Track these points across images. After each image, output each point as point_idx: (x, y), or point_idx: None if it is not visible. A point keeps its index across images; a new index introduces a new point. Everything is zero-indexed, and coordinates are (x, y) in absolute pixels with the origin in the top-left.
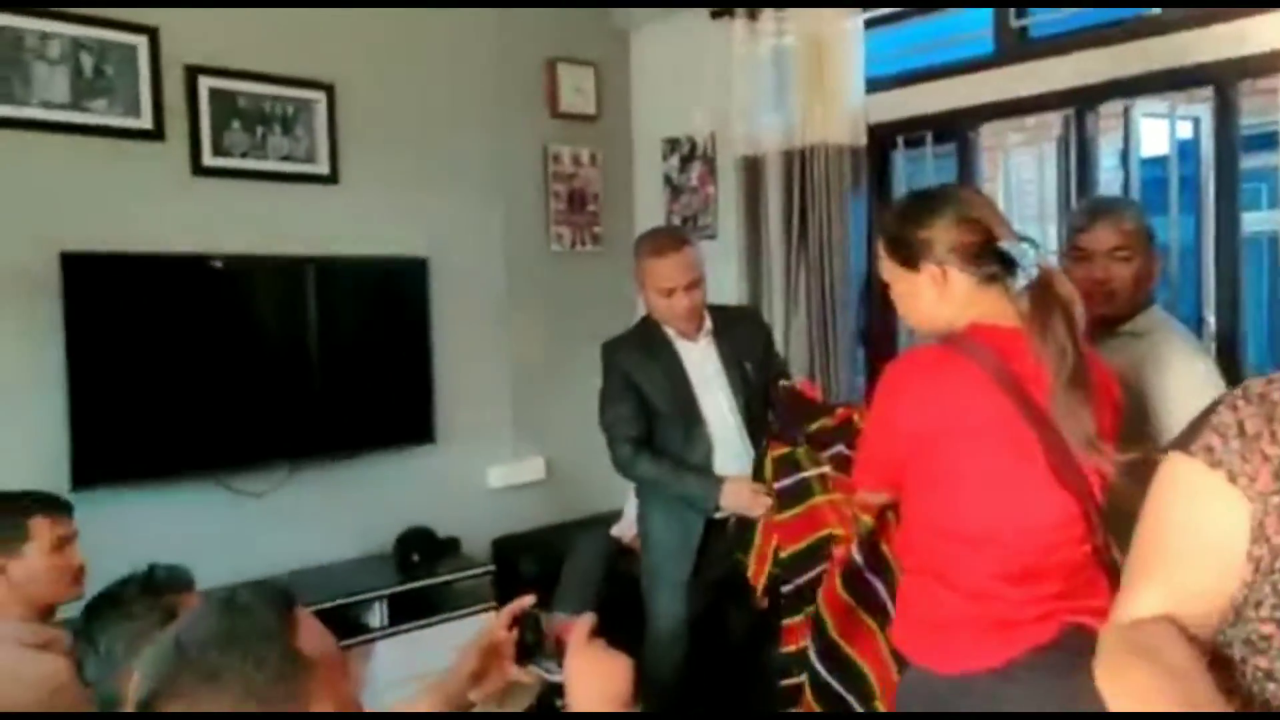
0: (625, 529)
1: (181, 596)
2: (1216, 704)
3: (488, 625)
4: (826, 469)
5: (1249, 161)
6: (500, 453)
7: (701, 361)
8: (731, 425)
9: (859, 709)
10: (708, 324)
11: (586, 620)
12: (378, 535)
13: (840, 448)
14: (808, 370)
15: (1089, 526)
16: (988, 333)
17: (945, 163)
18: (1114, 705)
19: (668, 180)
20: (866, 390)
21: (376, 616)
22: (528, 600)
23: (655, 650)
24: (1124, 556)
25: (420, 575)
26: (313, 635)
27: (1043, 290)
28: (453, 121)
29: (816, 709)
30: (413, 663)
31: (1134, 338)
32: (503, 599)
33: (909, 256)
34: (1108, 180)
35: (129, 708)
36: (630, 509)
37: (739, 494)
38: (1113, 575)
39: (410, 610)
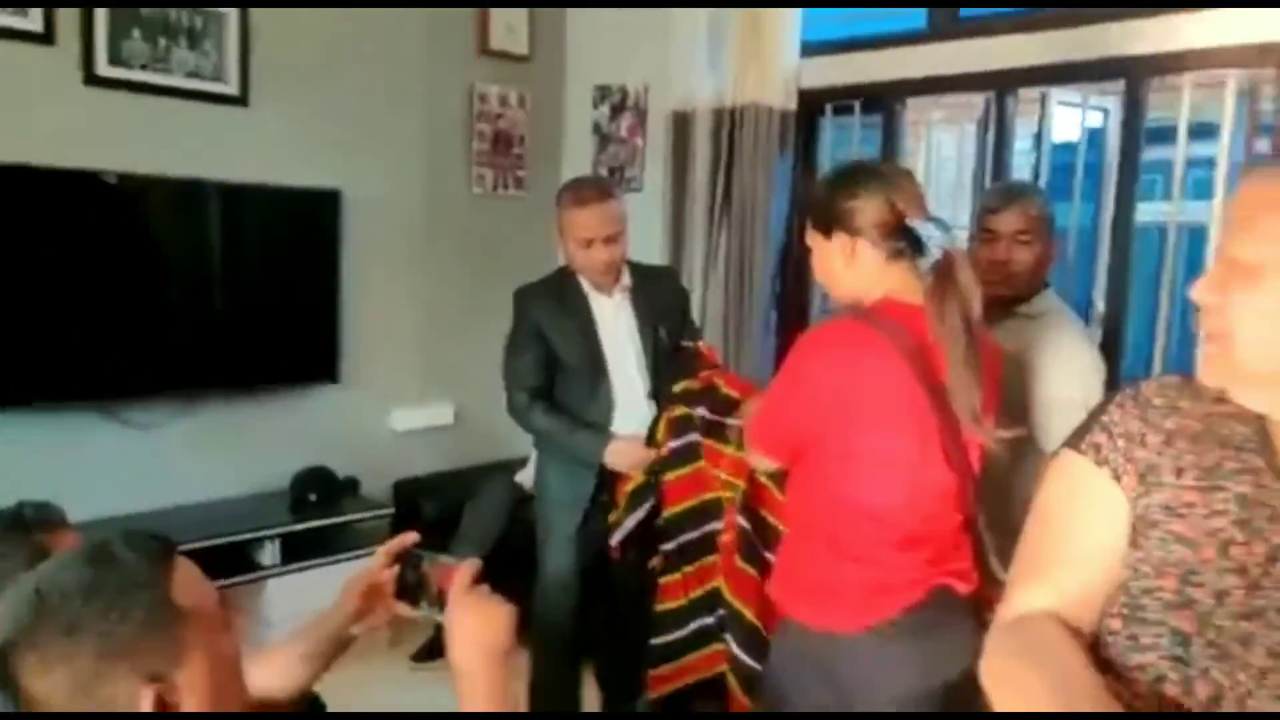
0: (530, 477)
1: (54, 535)
2: (1099, 703)
3: (368, 565)
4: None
5: (1150, 154)
6: (407, 395)
7: (614, 317)
8: (637, 384)
9: None
10: (626, 280)
11: (469, 567)
12: (274, 474)
13: (703, 410)
14: (721, 330)
15: (963, 499)
16: (898, 308)
17: (870, 133)
18: (999, 708)
19: (597, 128)
20: (777, 353)
21: (269, 555)
22: (410, 538)
23: (545, 599)
24: (988, 525)
25: (316, 515)
26: (190, 585)
27: (944, 274)
28: (375, 51)
29: (747, 703)
30: (307, 602)
31: (1027, 319)
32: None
33: (827, 223)
34: (1021, 162)
35: None
36: (535, 458)
37: (626, 453)
38: (977, 540)
39: (305, 550)
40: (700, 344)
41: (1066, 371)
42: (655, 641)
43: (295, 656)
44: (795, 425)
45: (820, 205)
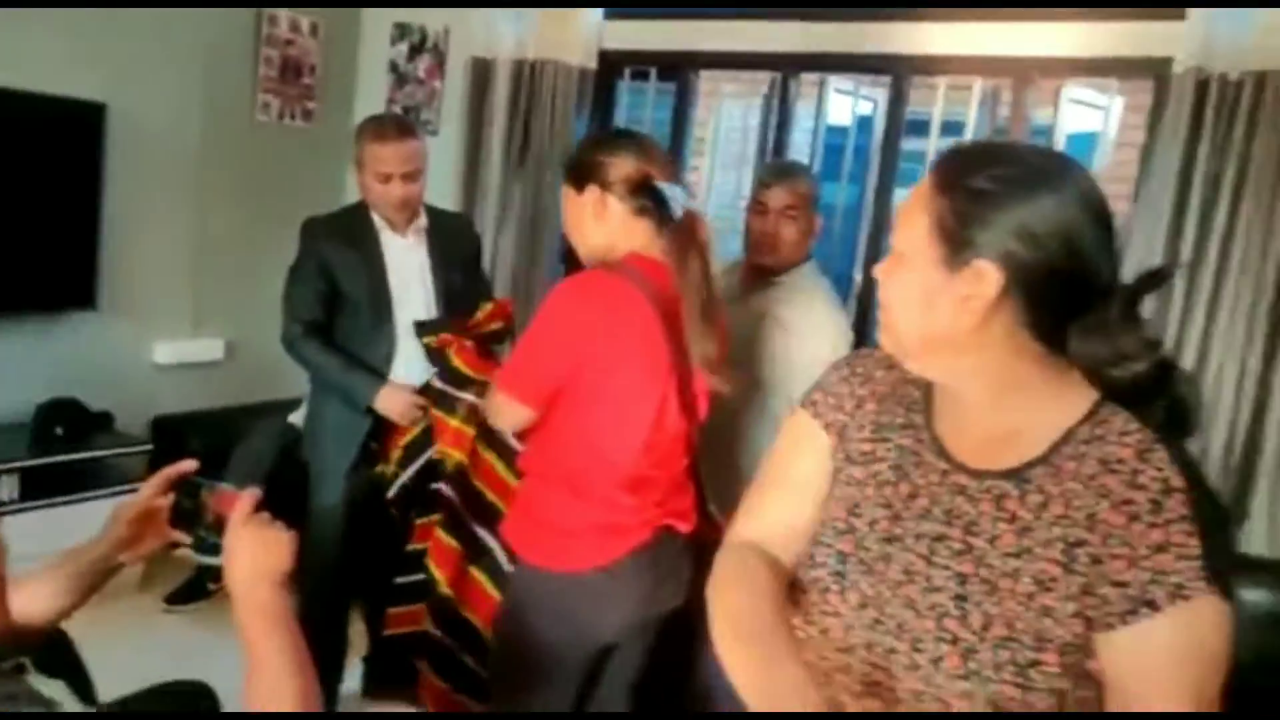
0: (303, 417)
1: None
2: (780, 624)
3: (141, 491)
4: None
5: (909, 144)
6: (174, 328)
7: (405, 256)
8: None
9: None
10: (422, 221)
11: (250, 495)
12: (18, 404)
13: (434, 376)
14: (510, 281)
15: (689, 444)
16: (643, 262)
17: (665, 100)
18: (713, 620)
19: (393, 67)
20: None
21: (5, 490)
22: (188, 465)
23: (314, 536)
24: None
25: (62, 450)
26: None
27: (685, 232)
28: None
29: (439, 683)
30: (52, 539)
31: (786, 287)
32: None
33: (581, 177)
34: (800, 140)
35: None
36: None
37: (394, 400)
38: (698, 484)
39: (49, 485)
40: (501, 299)
41: (816, 335)
42: (399, 580)
43: (58, 582)
44: (549, 369)
45: (577, 161)
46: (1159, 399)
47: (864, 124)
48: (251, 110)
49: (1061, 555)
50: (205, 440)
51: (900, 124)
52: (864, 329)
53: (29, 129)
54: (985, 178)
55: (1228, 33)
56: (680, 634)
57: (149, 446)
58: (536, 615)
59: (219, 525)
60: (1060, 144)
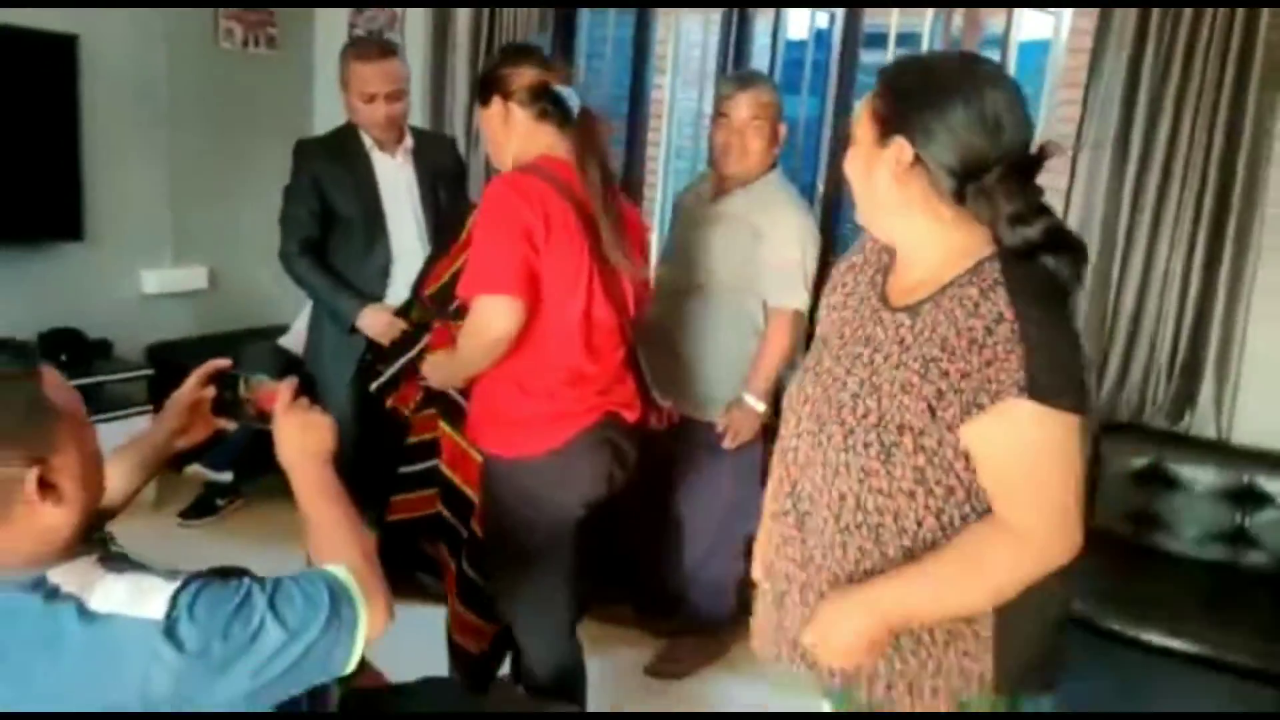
0: (295, 341)
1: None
2: None
3: (185, 384)
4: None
5: (868, 57)
6: (159, 257)
7: (395, 175)
8: (415, 242)
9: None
10: (409, 141)
11: (290, 383)
12: (19, 333)
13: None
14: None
15: (622, 336)
16: (554, 163)
17: (625, 19)
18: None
19: None
20: None
21: None
22: (223, 362)
23: None
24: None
25: (69, 375)
26: (59, 388)
27: (584, 132)
28: None
29: (452, 562)
30: None
31: (755, 194)
32: (159, 404)
33: (487, 91)
34: (759, 54)
35: None
36: (301, 321)
37: (375, 319)
38: (638, 373)
39: None
40: None
41: (786, 238)
42: (403, 470)
43: (126, 464)
44: (512, 255)
45: (482, 78)
46: (1051, 255)
47: (822, 38)
48: (215, 37)
49: (920, 368)
50: (199, 364)
51: (857, 38)
52: (830, 233)
53: (4, 64)
54: (907, 79)
55: None
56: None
57: (149, 372)
58: (506, 499)
59: (258, 414)
60: (1012, 51)
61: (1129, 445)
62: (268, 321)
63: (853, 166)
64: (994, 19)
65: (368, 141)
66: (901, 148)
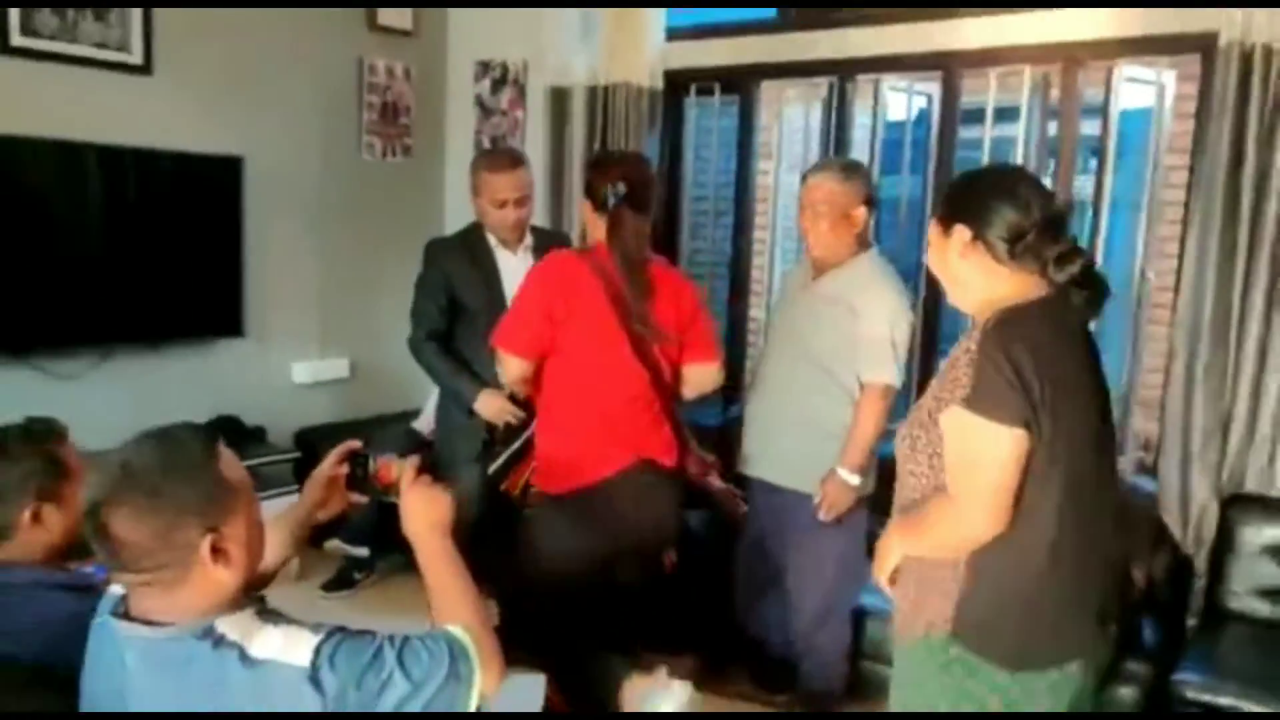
0: (425, 424)
1: (60, 445)
2: None
3: (323, 462)
4: None
5: (966, 133)
6: (306, 350)
7: (518, 272)
8: None
9: None
10: (529, 240)
11: (413, 460)
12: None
13: None
14: None
15: (657, 390)
16: (599, 247)
17: (729, 109)
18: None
19: (479, 101)
20: None
21: None
22: (356, 443)
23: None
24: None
25: None
26: (232, 466)
27: (614, 224)
28: (272, 25)
29: None
30: None
31: (846, 275)
32: (304, 483)
33: (585, 190)
34: (861, 137)
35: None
36: (430, 406)
37: (489, 403)
38: (675, 425)
39: None
40: None
41: (876, 315)
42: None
43: (277, 538)
44: (527, 322)
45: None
46: (1081, 290)
47: (921, 117)
48: (358, 150)
49: (942, 376)
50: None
51: (954, 116)
52: (934, 305)
53: (182, 184)
54: (956, 189)
55: (1267, 6)
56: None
57: (296, 455)
58: (542, 532)
59: (386, 489)
60: (1114, 121)
61: (1258, 517)
62: (401, 407)
63: (933, 262)
64: (1092, 89)
65: (493, 240)
66: (961, 230)
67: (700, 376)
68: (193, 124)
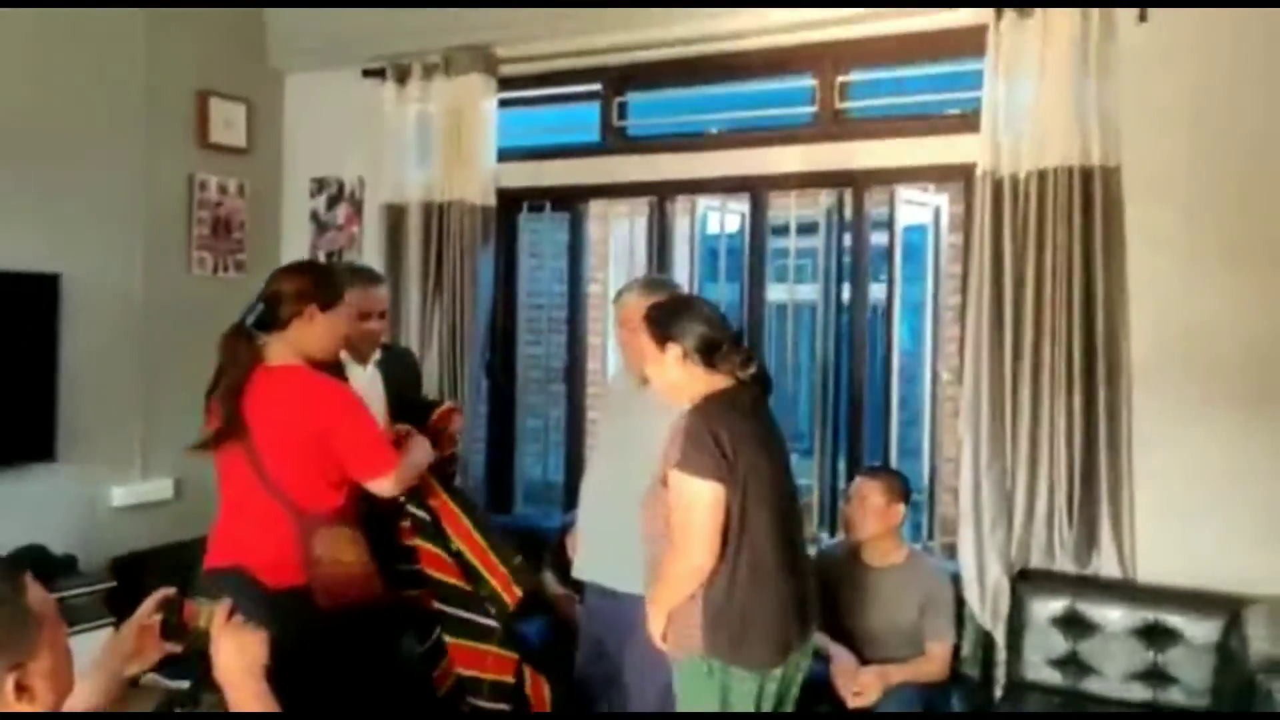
0: None
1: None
2: None
3: (137, 612)
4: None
5: (776, 243)
6: (127, 472)
7: (370, 386)
8: None
9: None
10: (376, 354)
11: (224, 605)
12: None
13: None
14: (437, 397)
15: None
16: None
17: (562, 224)
18: None
19: (314, 217)
20: (489, 415)
21: None
22: (170, 590)
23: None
24: None
25: None
26: (38, 596)
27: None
28: (95, 139)
29: None
30: None
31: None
32: (123, 615)
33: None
34: (682, 250)
35: None
36: None
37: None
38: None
39: None
40: (449, 404)
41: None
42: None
43: (88, 691)
44: None
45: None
46: (759, 382)
47: (735, 231)
48: (188, 266)
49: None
50: (162, 574)
51: (763, 230)
52: None
53: None
54: (662, 313)
55: (1009, 142)
56: None
57: (111, 584)
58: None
59: (196, 634)
60: (899, 235)
61: (1044, 591)
62: None
63: (652, 371)
64: (879, 207)
65: (343, 355)
66: (675, 349)
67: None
68: (4, 241)
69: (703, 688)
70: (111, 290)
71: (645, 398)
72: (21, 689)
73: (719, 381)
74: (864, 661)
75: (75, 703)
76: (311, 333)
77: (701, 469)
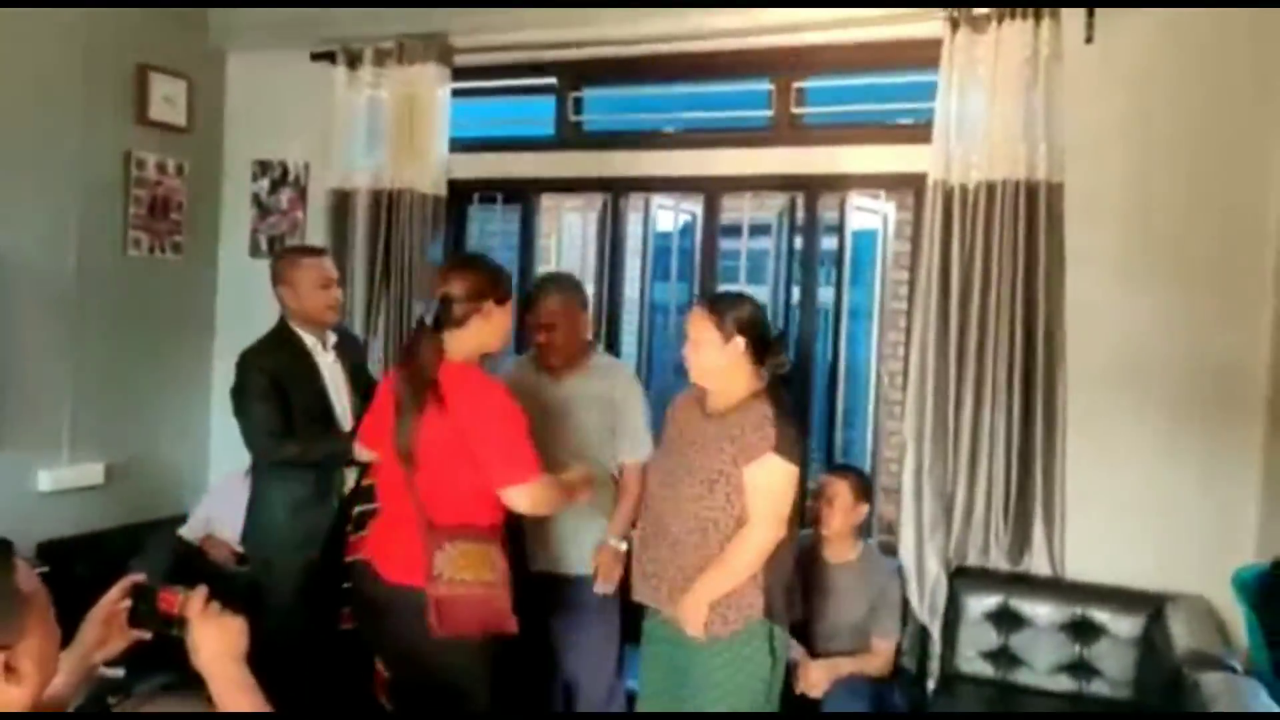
0: (195, 530)
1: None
2: None
3: (103, 599)
4: None
5: (727, 244)
6: (54, 455)
7: (333, 366)
8: (352, 422)
9: None
10: (333, 337)
11: (201, 591)
12: None
13: None
14: None
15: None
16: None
17: (512, 217)
18: None
19: (256, 200)
20: None
21: None
22: (139, 577)
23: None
24: None
25: None
26: (27, 576)
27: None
28: (29, 111)
29: None
30: None
31: (591, 372)
32: (55, 602)
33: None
34: (633, 247)
35: None
36: (200, 510)
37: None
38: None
39: None
40: None
41: (634, 404)
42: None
43: (58, 680)
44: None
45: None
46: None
47: (686, 230)
48: (124, 247)
49: (724, 442)
50: (91, 561)
51: (715, 231)
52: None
53: None
54: (738, 311)
55: (960, 153)
56: None
57: (41, 569)
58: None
59: (168, 620)
60: (848, 240)
61: (979, 587)
62: (163, 514)
63: (707, 357)
64: (830, 212)
65: (308, 340)
66: (740, 342)
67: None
68: None
69: (762, 648)
70: (44, 268)
71: (569, 389)
72: (10, 670)
73: (757, 377)
74: (814, 654)
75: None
76: (489, 328)
77: (793, 454)
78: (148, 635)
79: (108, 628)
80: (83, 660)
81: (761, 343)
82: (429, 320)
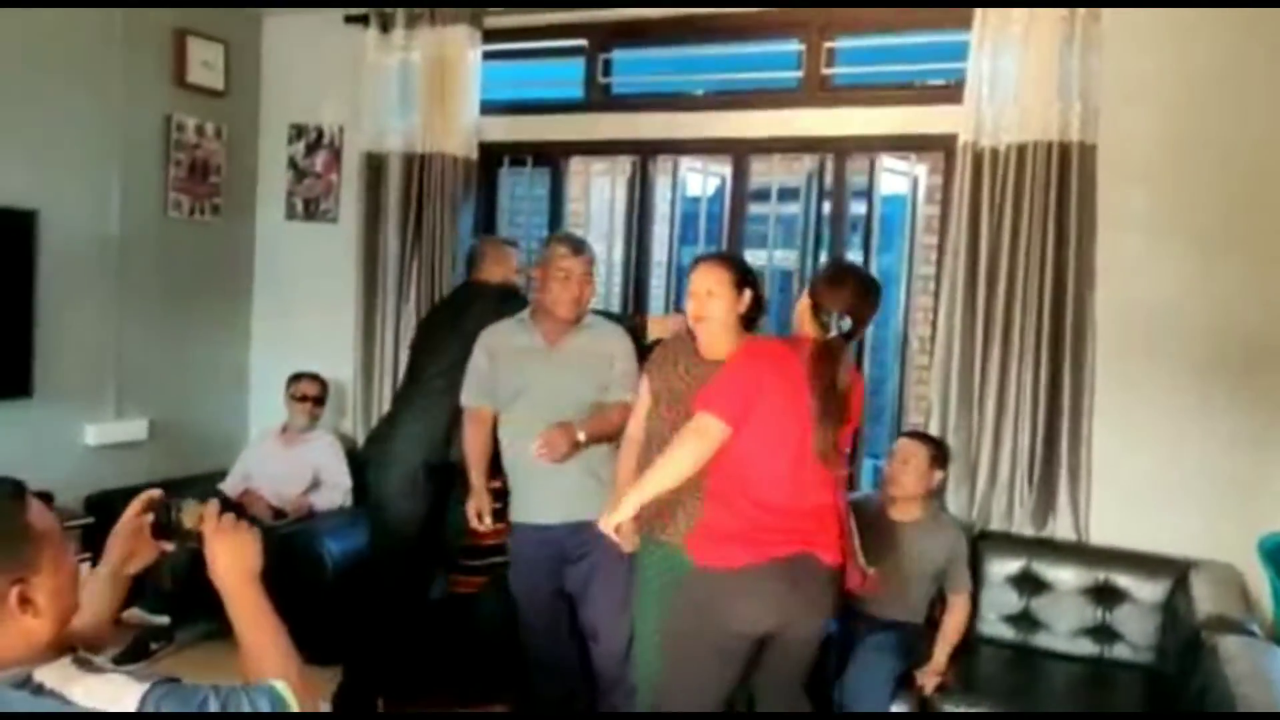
0: (233, 485)
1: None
2: None
3: (125, 514)
4: None
5: (756, 208)
6: (101, 411)
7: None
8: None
9: None
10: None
11: (213, 503)
12: None
13: None
14: None
15: (830, 488)
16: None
17: (542, 180)
18: None
19: (292, 163)
20: None
21: None
22: (156, 492)
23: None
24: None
25: None
26: (41, 514)
27: (826, 353)
28: (72, 76)
29: None
30: None
31: (587, 330)
32: (98, 552)
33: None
34: (662, 211)
35: None
36: (239, 465)
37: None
38: (843, 528)
39: None
40: None
41: (629, 357)
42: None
43: (93, 592)
44: (743, 394)
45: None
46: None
47: (715, 194)
48: (164, 208)
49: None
50: None
51: (744, 194)
52: None
53: None
54: (741, 264)
55: (991, 114)
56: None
57: (88, 520)
58: (686, 604)
59: (190, 534)
60: (877, 204)
61: (1002, 551)
62: (204, 469)
63: (714, 304)
64: (859, 176)
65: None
66: (749, 295)
67: None
68: None
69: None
70: (89, 229)
71: (571, 345)
72: (25, 601)
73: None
74: (878, 613)
75: (87, 600)
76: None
77: None
78: (170, 546)
79: (134, 541)
80: (114, 574)
81: (759, 299)
82: (841, 332)
